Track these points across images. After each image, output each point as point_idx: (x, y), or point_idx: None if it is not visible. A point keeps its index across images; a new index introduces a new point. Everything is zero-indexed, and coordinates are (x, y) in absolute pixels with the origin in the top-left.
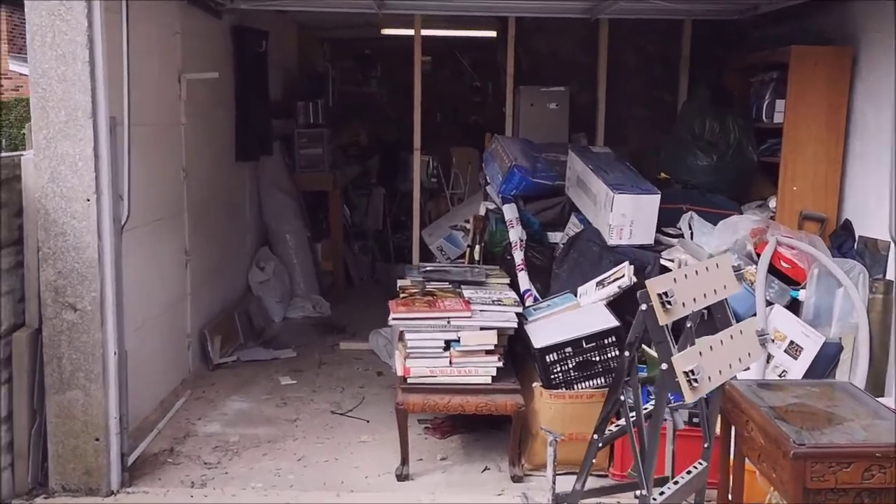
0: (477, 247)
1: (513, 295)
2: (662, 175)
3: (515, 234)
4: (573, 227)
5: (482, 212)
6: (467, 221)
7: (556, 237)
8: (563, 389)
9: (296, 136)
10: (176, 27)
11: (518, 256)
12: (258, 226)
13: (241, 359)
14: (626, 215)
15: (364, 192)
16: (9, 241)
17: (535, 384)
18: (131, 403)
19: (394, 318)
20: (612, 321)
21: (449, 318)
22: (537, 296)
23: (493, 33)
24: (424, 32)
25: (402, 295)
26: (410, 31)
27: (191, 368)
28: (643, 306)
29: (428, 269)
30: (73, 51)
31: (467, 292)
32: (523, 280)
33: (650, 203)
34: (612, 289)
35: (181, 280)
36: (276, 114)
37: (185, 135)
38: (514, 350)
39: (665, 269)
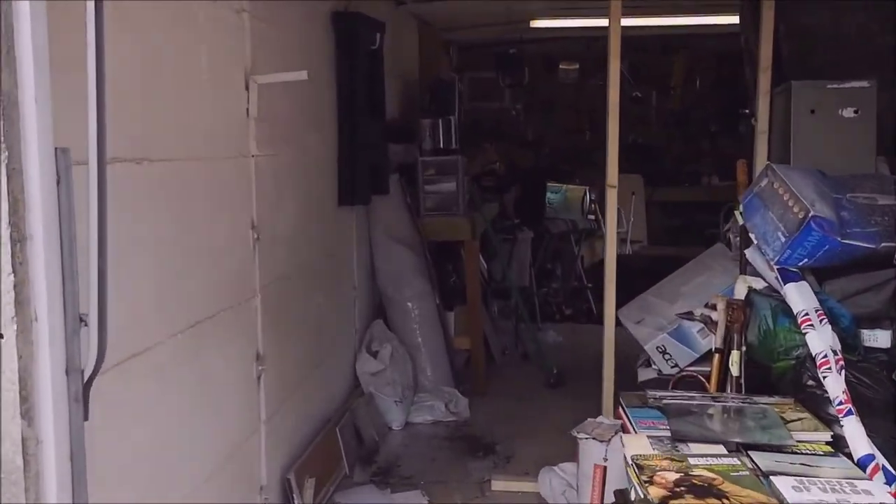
0: (734, 353)
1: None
2: None
3: (821, 339)
4: None
5: (740, 292)
6: (710, 307)
7: (877, 338)
8: None
9: (420, 166)
10: (242, 3)
11: (835, 385)
12: (369, 292)
13: None
14: None
15: (507, 237)
16: None
17: None
18: None
19: None
20: None
21: None
22: (890, 468)
23: (732, 18)
24: (626, 22)
25: (643, 480)
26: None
27: None
28: None
29: (667, 401)
30: None
31: (784, 482)
32: (854, 435)
33: None
34: None
35: (250, 405)
36: (392, 135)
37: (257, 172)
38: None
39: None
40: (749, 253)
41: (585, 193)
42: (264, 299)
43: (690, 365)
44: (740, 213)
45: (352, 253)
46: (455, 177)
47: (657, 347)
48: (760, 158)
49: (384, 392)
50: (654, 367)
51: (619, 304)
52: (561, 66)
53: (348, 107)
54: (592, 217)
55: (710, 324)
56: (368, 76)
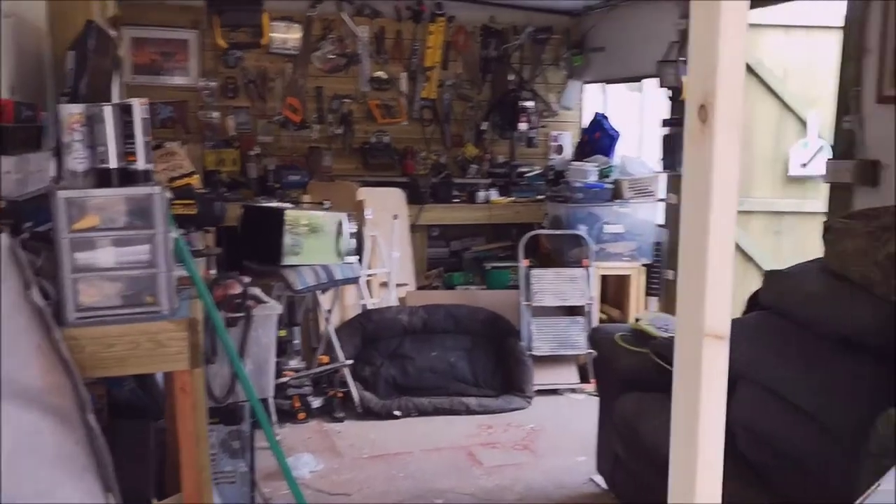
0: None
1: None
2: None
3: None
4: None
5: None
6: None
7: None
8: None
9: (59, 208)
10: None
11: None
12: None
13: None
14: None
15: (236, 316)
16: None
17: None
18: None
19: None
20: None
21: None
22: None
23: None
24: None
25: None
26: None
27: None
28: None
29: None
30: None
31: None
32: None
33: None
34: None
35: None
36: None
37: None
38: None
39: None
40: None
41: (342, 223)
42: None
43: None
44: None
45: None
46: (152, 231)
47: None
48: None
49: None
50: None
51: None
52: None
53: None
54: (354, 259)
55: None
56: None
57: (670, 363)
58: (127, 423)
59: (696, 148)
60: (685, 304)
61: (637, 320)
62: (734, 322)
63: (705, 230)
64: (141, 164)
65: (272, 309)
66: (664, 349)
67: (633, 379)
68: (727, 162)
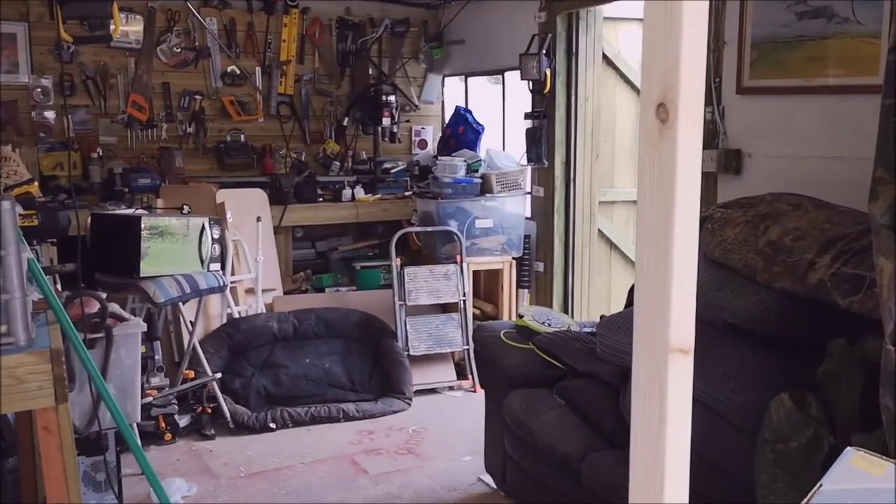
0: None
1: None
2: None
3: None
4: None
5: None
6: None
7: None
8: None
9: None
10: None
11: None
12: None
13: None
14: None
15: (93, 337)
16: None
17: None
18: None
19: None
20: None
21: None
22: None
23: None
24: None
25: None
26: None
27: None
28: None
29: None
30: None
31: None
32: None
33: None
34: None
35: None
36: None
37: None
38: None
39: None
40: None
41: (204, 228)
42: None
43: None
44: None
45: None
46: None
47: None
48: None
49: None
50: None
51: None
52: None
53: None
54: (218, 266)
55: None
56: None
57: (554, 357)
58: None
59: (653, 150)
60: (645, 317)
61: (521, 316)
62: (618, 316)
63: (669, 238)
64: None
65: (135, 326)
66: (548, 344)
67: (520, 376)
68: (690, 164)
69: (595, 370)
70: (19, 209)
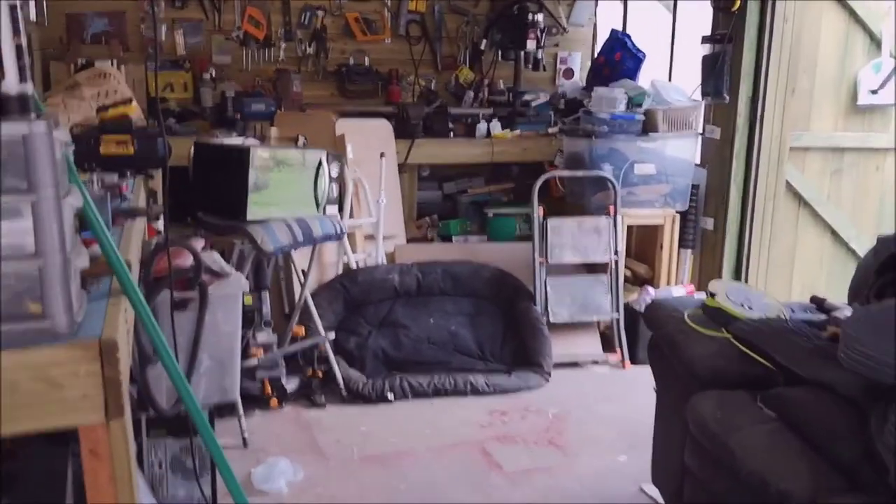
0: None
1: None
2: None
3: None
4: None
5: None
6: None
7: None
8: None
9: None
10: None
11: None
12: None
13: None
14: None
15: (183, 300)
16: None
17: None
18: None
19: None
20: None
21: None
22: None
23: None
24: None
25: None
26: None
27: None
28: None
29: None
30: None
31: None
32: None
33: None
34: None
35: None
36: None
37: None
38: None
39: None
40: None
41: (321, 164)
42: None
43: None
44: None
45: None
46: (32, 196)
47: None
48: None
49: None
50: None
51: None
52: None
53: None
54: (335, 210)
55: None
56: None
57: (760, 354)
58: (41, 446)
59: None
60: None
61: (712, 295)
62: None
63: None
64: (11, 84)
65: (236, 285)
66: (753, 335)
67: (710, 372)
68: None
69: (827, 379)
70: (64, 136)
